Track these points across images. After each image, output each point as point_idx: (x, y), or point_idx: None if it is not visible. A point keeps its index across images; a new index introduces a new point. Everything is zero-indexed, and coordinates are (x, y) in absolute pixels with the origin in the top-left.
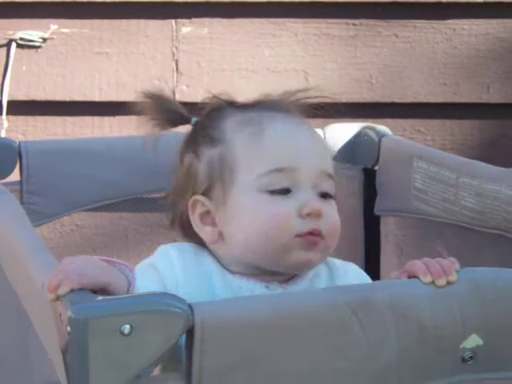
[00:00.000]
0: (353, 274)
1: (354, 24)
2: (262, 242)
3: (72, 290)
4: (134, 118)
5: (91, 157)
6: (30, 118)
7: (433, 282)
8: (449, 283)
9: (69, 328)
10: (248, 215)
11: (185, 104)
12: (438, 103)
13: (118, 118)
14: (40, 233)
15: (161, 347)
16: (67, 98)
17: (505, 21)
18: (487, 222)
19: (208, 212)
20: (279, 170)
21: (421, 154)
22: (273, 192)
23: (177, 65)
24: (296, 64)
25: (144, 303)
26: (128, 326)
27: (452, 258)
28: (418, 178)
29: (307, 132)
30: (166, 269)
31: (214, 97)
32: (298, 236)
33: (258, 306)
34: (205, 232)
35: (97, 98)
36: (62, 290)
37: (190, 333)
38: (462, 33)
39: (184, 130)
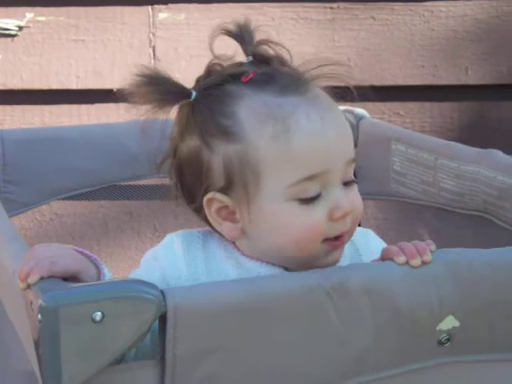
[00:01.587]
0: (375, 244)
1: (331, 7)
2: (291, 250)
3: (42, 278)
4: (111, 105)
5: (67, 145)
6: (8, 108)
7: (407, 263)
8: (424, 263)
9: (39, 316)
10: (277, 225)
11: None
12: (416, 86)
13: (95, 105)
14: (19, 222)
15: (133, 334)
16: (44, 87)
17: (482, 2)
18: (466, 204)
19: (227, 207)
20: (310, 178)
21: (399, 137)
22: (303, 199)
23: (154, 51)
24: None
25: (115, 290)
26: (99, 313)
27: (428, 240)
28: (396, 160)
29: (332, 119)
30: (168, 260)
31: (215, 65)
32: (325, 240)
33: (231, 291)
34: (225, 227)
35: (74, 86)
36: (33, 279)
37: (162, 319)
38: (439, 15)
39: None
